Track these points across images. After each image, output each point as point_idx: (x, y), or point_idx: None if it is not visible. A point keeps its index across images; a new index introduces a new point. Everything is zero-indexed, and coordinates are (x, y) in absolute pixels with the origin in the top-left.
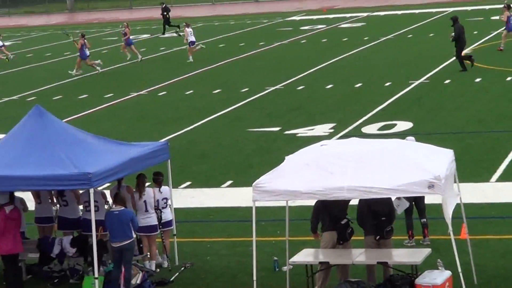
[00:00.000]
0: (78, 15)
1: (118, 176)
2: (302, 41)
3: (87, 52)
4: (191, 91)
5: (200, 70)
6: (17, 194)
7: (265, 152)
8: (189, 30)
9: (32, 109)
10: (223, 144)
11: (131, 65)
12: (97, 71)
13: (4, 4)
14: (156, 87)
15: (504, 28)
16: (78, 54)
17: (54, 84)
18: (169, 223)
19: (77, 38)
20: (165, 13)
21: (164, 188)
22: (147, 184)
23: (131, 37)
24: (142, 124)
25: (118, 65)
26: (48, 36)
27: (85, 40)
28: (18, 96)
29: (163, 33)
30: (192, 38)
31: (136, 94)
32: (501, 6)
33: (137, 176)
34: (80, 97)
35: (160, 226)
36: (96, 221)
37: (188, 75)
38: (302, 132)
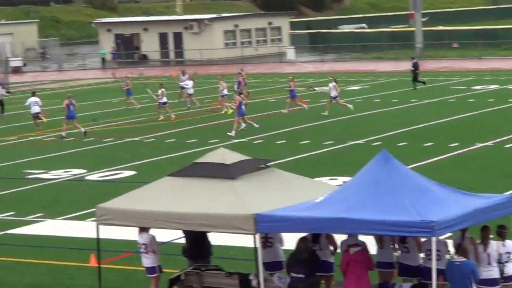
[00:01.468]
0: (427, 62)
1: (461, 227)
2: None
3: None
4: None
5: None
6: (360, 237)
7: None
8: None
9: (378, 154)
10: None
11: (480, 116)
12: None
13: (353, 50)
14: (503, 138)
15: None
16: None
17: (400, 131)
18: (511, 278)
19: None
20: (415, 69)
21: (507, 241)
22: (490, 236)
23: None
24: (487, 176)
25: (464, 115)
26: (395, 83)
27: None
28: (363, 140)
29: (414, 88)
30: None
31: (482, 144)
32: None
33: (482, 228)
34: (425, 144)
35: (502, 280)
36: (436, 270)
37: None
38: None
